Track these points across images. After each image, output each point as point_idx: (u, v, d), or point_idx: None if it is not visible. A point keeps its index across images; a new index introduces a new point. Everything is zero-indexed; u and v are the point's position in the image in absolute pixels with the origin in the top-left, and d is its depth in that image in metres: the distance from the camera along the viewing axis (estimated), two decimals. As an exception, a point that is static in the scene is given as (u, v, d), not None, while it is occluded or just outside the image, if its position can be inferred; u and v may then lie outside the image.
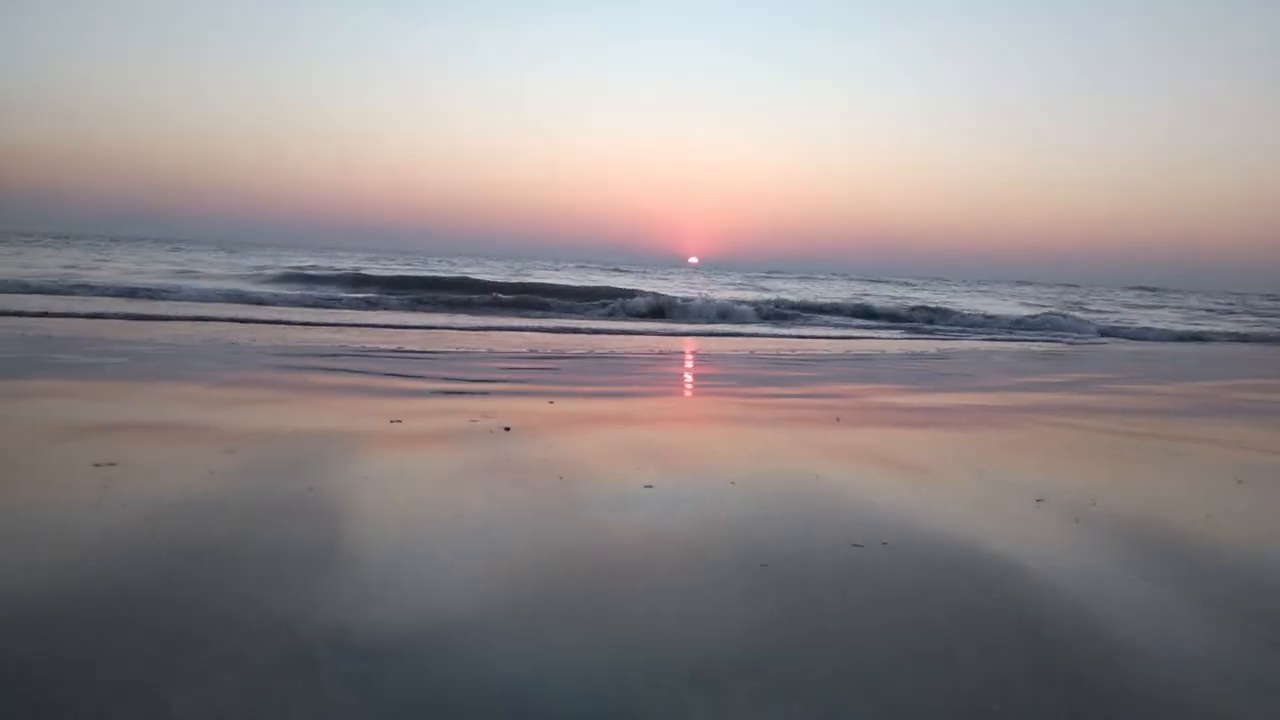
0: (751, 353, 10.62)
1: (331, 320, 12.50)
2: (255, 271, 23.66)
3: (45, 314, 10.59)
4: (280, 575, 2.16)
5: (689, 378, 7.83)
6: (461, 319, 14.42)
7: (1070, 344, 15.97)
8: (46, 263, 24.32)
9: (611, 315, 17.17)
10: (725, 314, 17.92)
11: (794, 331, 15.57)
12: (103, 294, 14.59)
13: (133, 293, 15.04)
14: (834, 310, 20.34)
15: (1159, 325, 21.74)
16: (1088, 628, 2.03)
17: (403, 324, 12.61)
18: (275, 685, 1.62)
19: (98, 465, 3.13)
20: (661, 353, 9.98)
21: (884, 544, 2.62)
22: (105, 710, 1.51)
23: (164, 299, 14.71)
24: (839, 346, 12.41)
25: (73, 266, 22.65)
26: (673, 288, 26.41)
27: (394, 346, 8.88)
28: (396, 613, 1.96)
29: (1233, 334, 20.32)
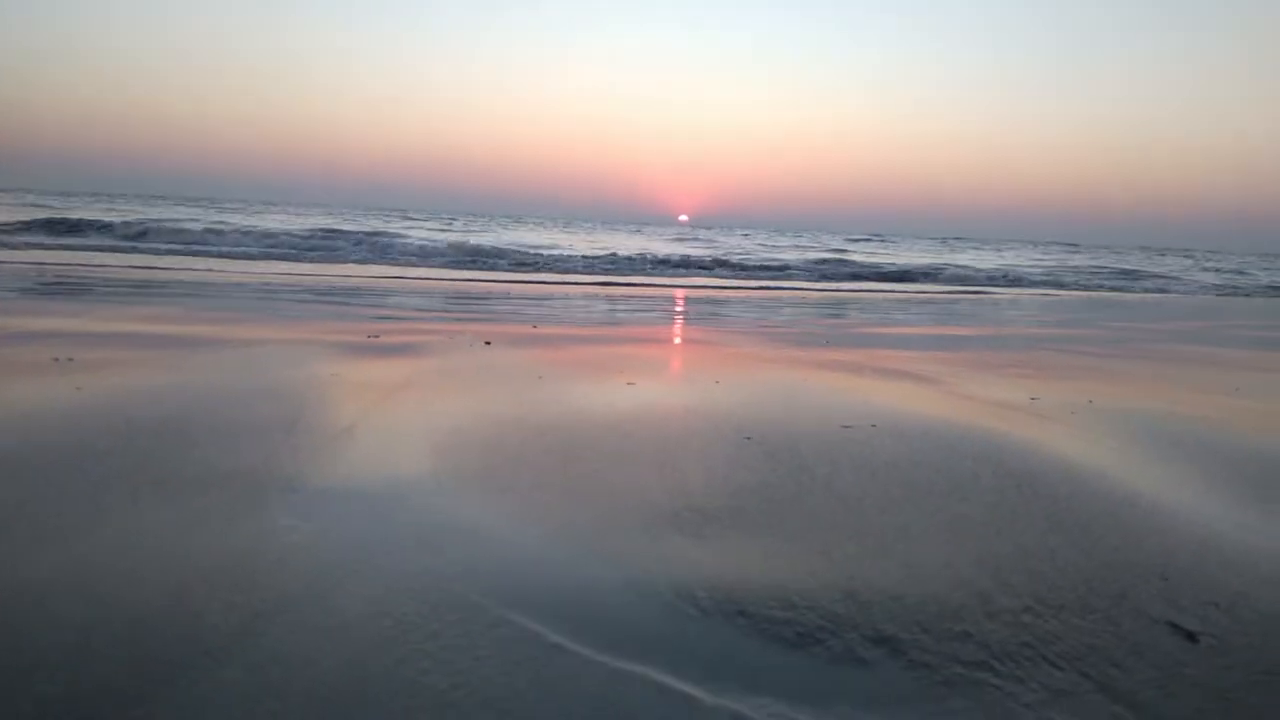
0: (746, 299, 10.51)
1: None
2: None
3: None
4: (239, 441, 2.04)
5: (671, 313, 7.72)
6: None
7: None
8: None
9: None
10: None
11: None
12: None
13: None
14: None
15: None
16: (1090, 488, 1.93)
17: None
18: (226, 518, 1.50)
19: (56, 360, 3.00)
20: (640, 297, 9.86)
21: (873, 425, 2.52)
22: (74, 530, 1.40)
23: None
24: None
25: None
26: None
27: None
28: (353, 469, 1.85)
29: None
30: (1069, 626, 1.24)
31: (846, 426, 2.49)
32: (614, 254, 17.22)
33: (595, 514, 1.63)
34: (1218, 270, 25.28)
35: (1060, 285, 18.11)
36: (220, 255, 13.60)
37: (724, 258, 19.61)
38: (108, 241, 14.75)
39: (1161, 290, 18.20)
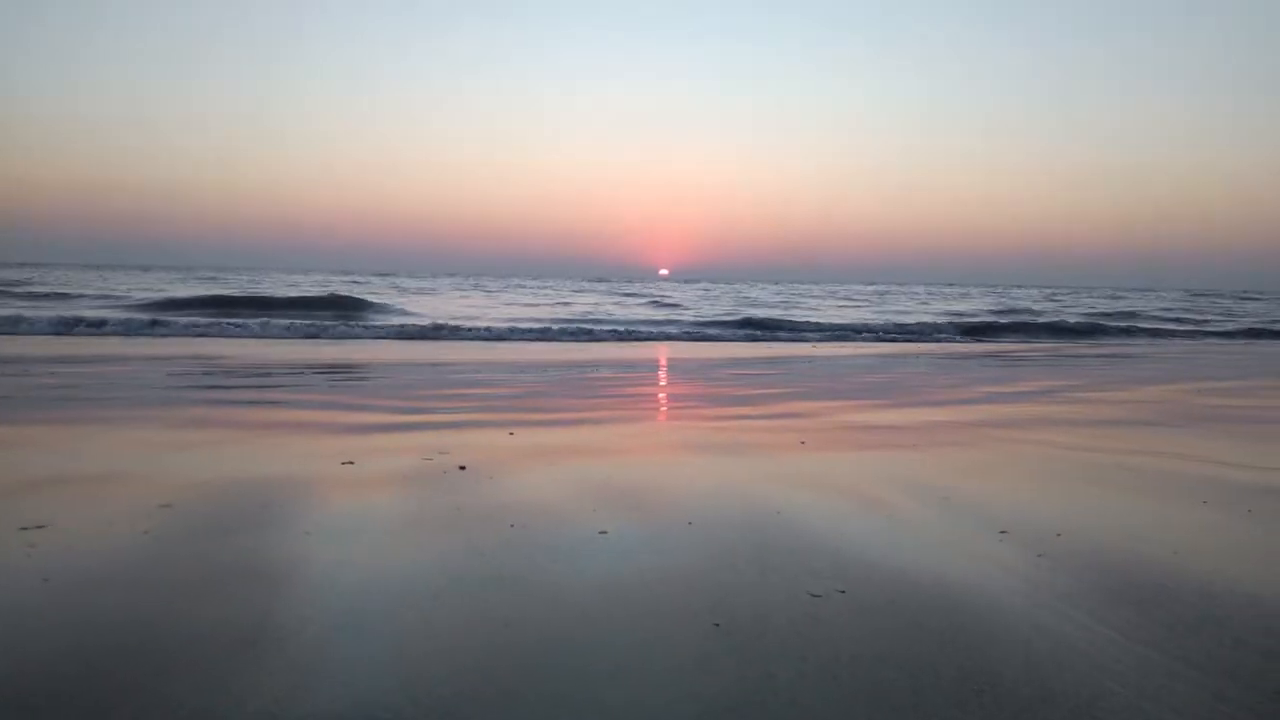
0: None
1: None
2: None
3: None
4: (204, 661, 2.03)
5: (640, 400, 7.73)
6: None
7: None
8: None
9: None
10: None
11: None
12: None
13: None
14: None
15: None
16: (1050, 689, 1.95)
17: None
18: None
19: (24, 529, 2.98)
20: (609, 364, 9.88)
21: (841, 591, 2.54)
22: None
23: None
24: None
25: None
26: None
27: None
28: (322, 707, 1.84)
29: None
30: None
31: (815, 596, 2.51)
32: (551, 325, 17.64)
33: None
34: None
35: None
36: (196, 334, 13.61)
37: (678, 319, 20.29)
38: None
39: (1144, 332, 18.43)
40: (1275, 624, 2.35)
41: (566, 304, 27.86)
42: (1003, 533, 3.17)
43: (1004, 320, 22.09)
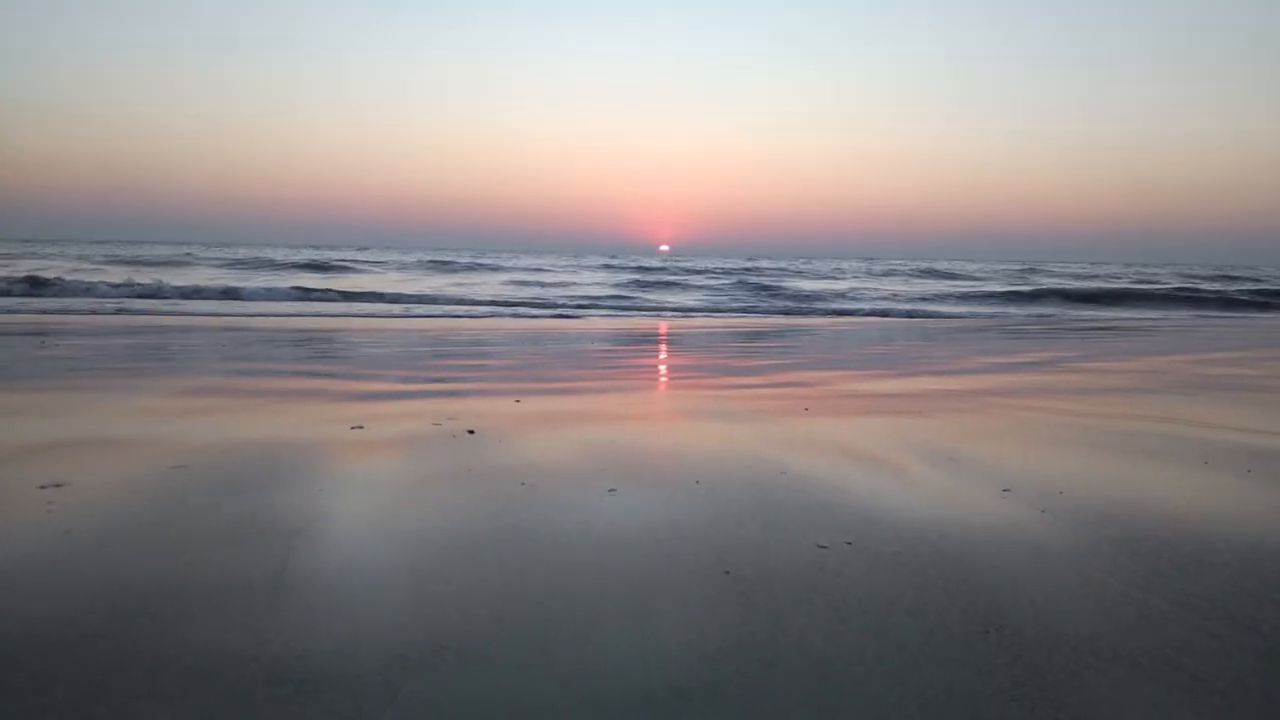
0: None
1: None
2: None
3: None
4: (226, 605, 2.08)
5: (640, 366, 7.78)
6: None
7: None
8: None
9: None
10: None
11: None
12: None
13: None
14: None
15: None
16: (1053, 630, 2.00)
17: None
18: (211, 732, 1.55)
19: (43, 488, 3.03)
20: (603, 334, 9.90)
21: (848, 543, 2.59)
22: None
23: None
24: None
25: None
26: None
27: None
28: (337, 644, 1.89)
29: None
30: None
31: (822, 546, 2.56)
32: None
33: (574, 705, 1.68)
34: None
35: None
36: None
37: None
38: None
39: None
40: (1271, 570, 2.40)
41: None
42: (1006, 490, 3.21)
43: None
